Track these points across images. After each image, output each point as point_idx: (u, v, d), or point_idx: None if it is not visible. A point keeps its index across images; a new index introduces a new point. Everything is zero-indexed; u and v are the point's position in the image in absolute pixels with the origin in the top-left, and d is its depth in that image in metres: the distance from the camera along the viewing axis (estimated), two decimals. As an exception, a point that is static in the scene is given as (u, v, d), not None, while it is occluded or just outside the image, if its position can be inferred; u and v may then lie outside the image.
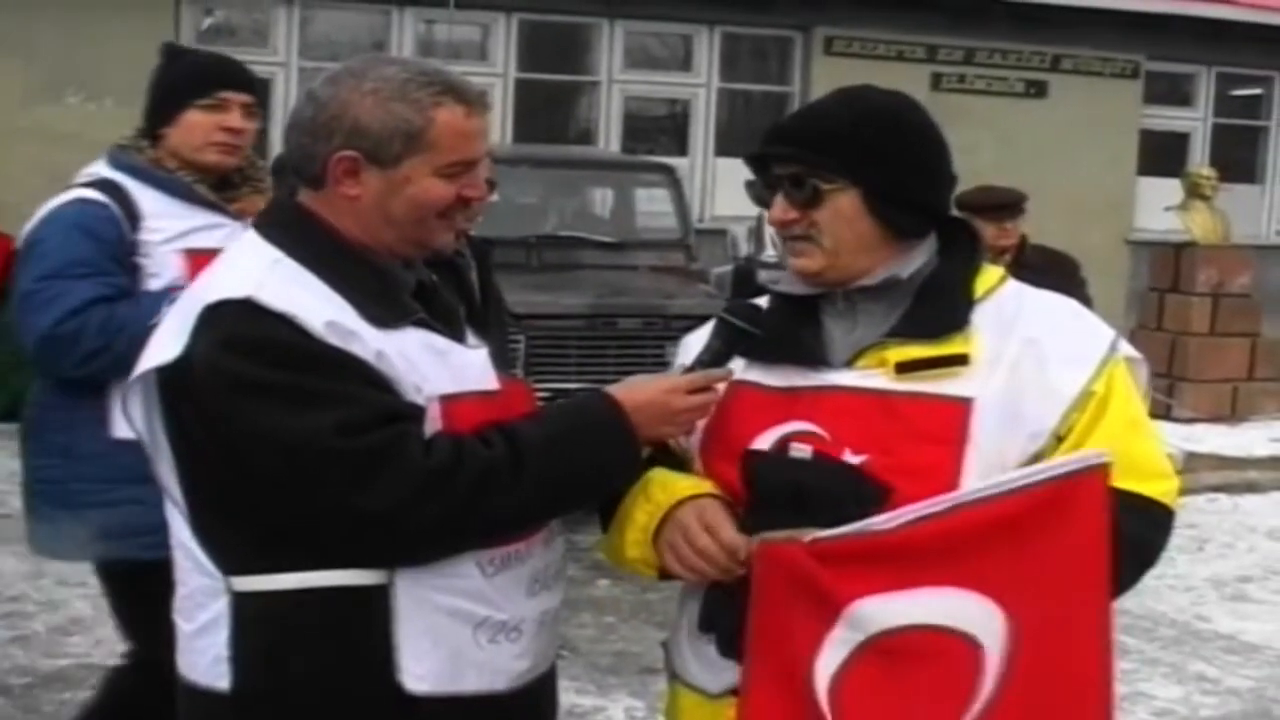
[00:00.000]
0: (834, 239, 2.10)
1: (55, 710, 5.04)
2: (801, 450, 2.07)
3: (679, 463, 2.21)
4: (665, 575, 2.13)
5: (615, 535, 2.18)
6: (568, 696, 5.24)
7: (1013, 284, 2.19)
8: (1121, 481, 1.99)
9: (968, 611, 1.94)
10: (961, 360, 2.06)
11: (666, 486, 2.13)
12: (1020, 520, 1.93)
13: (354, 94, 2.05)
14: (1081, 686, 1.98)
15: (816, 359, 2.13)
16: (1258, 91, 15.38)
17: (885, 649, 1.95)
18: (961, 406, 2.03)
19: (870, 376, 2.08)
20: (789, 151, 2.11)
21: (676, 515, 2.08)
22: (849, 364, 2.11)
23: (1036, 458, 2.02)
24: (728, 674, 2.11)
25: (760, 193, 2.21)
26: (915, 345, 2.07)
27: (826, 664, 1.96)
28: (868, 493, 2.01)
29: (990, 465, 2.00)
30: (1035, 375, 2.05)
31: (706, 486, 2.13)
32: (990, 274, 2.17)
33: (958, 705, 1.94)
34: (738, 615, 2.03)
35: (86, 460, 3.29)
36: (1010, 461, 2.01)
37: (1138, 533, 2.03)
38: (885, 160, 2.08)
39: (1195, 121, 15.04)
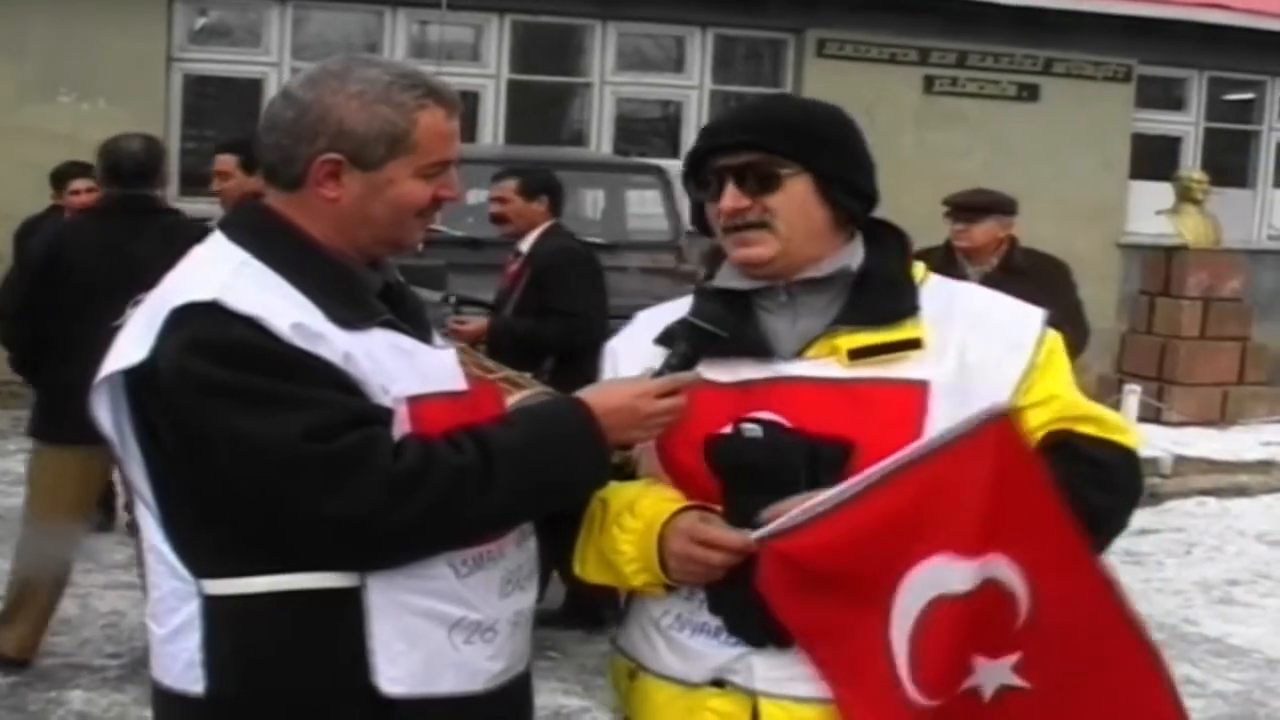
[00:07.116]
0: (788, 224, 2.16)
1: (41, 709, 5.04)
2: (752, 430, 2.11)
3: (617, 468, 2.21)
4: (670, 586, 2.15)
5: (597, 564, 2.21)
6: (555, 698, 5.24)
7: (935, 276, 2.28)
8: (1084, 427, 2.14)
9: (949, 576, 1.99)
10: (915, 344, 2.13)
11: (634, 508, 2.16)
12: (945, 479, 1.97)
13: (338, 96, 2.05)
14: (1098, 616, 2.06)
15: (765, 351, 2.17)
16: (1250, 96, 15.37)
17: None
18: (918, 389, 2.10)
19: (823, 366, 2.13)
20: (746, 139, 2.17)
21: (671, 548, 2.10)
22: (799, 354, 2.15)
23: None
24: (710, 662, 2.13)
25: (693, 191, 2.26)
26: (865, 332, 2.13)
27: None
28: (826, 454, 2.06)
29: None
30: (980, 358, 2.12)
31: (668, 497, 2.16)
32: (916, 267, 2.26)
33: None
34: (742, 595, 2.06)
35: None
36: None
37: (1116, 465, 2.16)
38: (834, 148, 2.18)
39: (1187, 125, 15.02)
